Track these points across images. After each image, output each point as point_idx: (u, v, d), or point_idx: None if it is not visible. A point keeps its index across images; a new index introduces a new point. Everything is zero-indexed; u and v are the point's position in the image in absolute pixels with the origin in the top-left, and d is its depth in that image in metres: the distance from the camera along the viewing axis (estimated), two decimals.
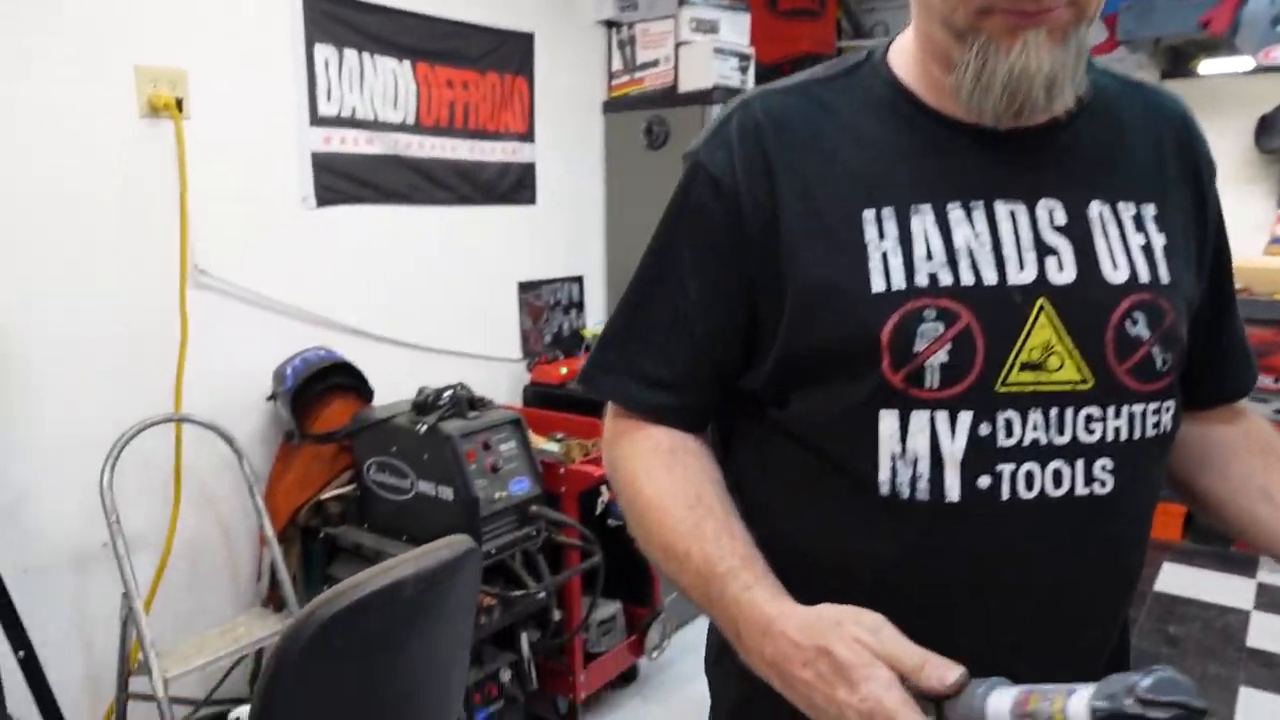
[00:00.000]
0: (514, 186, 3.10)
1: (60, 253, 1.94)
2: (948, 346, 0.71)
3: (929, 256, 0.73)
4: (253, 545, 2.33)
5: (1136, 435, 0.75)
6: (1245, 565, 3.60)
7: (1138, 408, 0.75)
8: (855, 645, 0.61)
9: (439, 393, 2.19)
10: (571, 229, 3.38)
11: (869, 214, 0.75)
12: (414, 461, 2.12)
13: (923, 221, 0.74)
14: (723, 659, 0.90)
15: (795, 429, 0.79)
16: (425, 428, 2.08)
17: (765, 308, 0.78)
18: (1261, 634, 3.11)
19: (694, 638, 3.02)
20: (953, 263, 0.73)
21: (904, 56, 0.81)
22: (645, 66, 3.42)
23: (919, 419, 0.72)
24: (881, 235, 0.74)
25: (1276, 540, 0.84)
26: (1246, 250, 4.01)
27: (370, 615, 1.36)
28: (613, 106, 3.46)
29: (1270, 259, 3.80)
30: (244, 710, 1.55)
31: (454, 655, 1.61)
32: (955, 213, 0.74)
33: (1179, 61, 4.16)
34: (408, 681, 1.48)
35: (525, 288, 3.17)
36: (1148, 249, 0.77)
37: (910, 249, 0.73)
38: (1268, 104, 4.05)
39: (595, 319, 3.49)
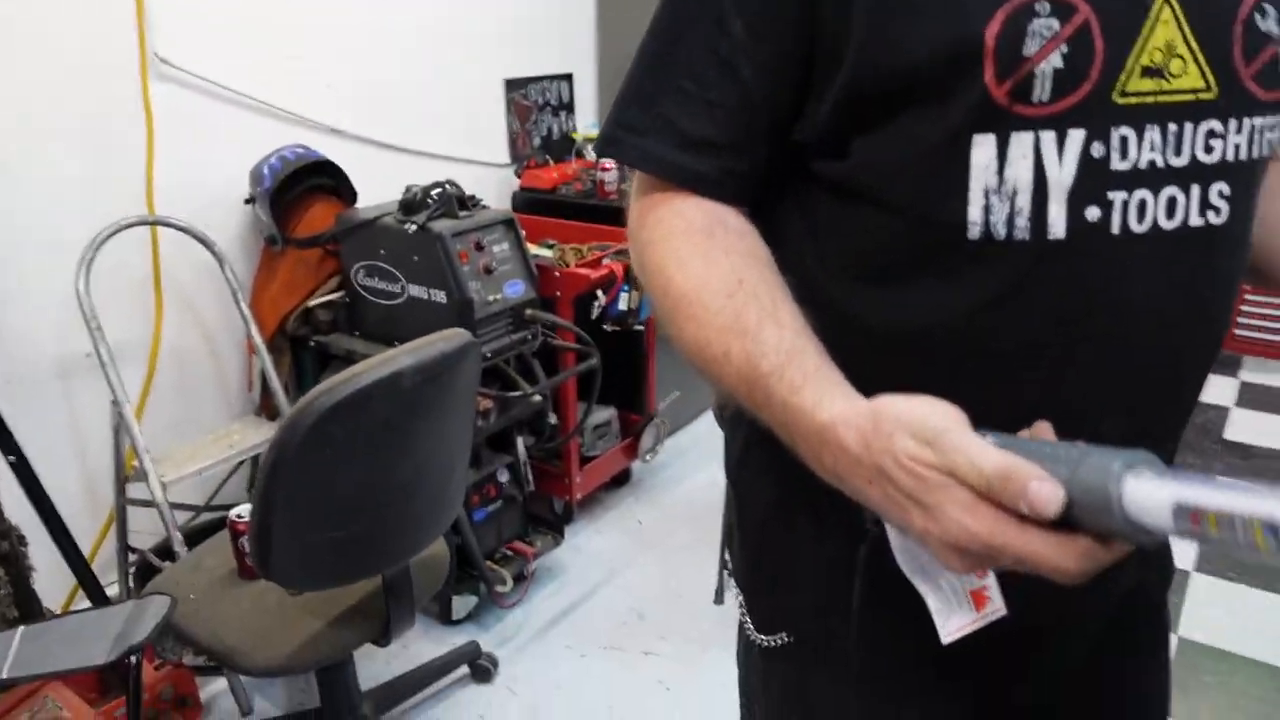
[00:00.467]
0: None
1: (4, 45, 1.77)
2: (1062, 48, 0.59)
3: None
4: (240, 355, 2.29)
5: (1254, 153, 0.65)
6: (1229, 365, 3.67)
7: (1259, 120, 0.65)
8: (911, 467, 0.52)
9: (427, 190, 2.08)
10: (560, 22, 3.15)
11: None
12: (404, 264, 2.05)
13: None
14: (747, 459, 0.82)
15: (859, 182, 0.67)
16: (415, 227, 1.99)
17: (829, 21, 0.63)
18: (1240, 428, 3.22)
19: (687, 442, 3.07)
20: None
21: None
22: None
23: (1021, 143, 0.61)
24: None
25: None
26: None
27: (370, 405, 1.32)
28: None
29: None
30: (245, 507, 1.55)
31: (454, 452, 1.60)
32: None
33: None
34: (409, 474, 1.47)
35: (512, 85, 2.98)
36: None
37: None
38: None
39: (586, 121, 3.32)
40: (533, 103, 3.08)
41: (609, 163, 2.85)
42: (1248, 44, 0.63)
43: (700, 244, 0.68)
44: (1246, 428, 3.19)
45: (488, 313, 2.03)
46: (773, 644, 0.81)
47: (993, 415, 0.54)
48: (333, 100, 2.40)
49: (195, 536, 1.79)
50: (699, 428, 3.13)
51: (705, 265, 0.67)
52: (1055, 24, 0.59)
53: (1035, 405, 0.59)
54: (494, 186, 2.98)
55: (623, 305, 2.37)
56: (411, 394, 1.39)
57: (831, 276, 0.71)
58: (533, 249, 2.46)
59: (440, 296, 2.01)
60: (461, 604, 2.15)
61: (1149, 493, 0.45)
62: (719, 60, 0.67)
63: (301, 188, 2.18)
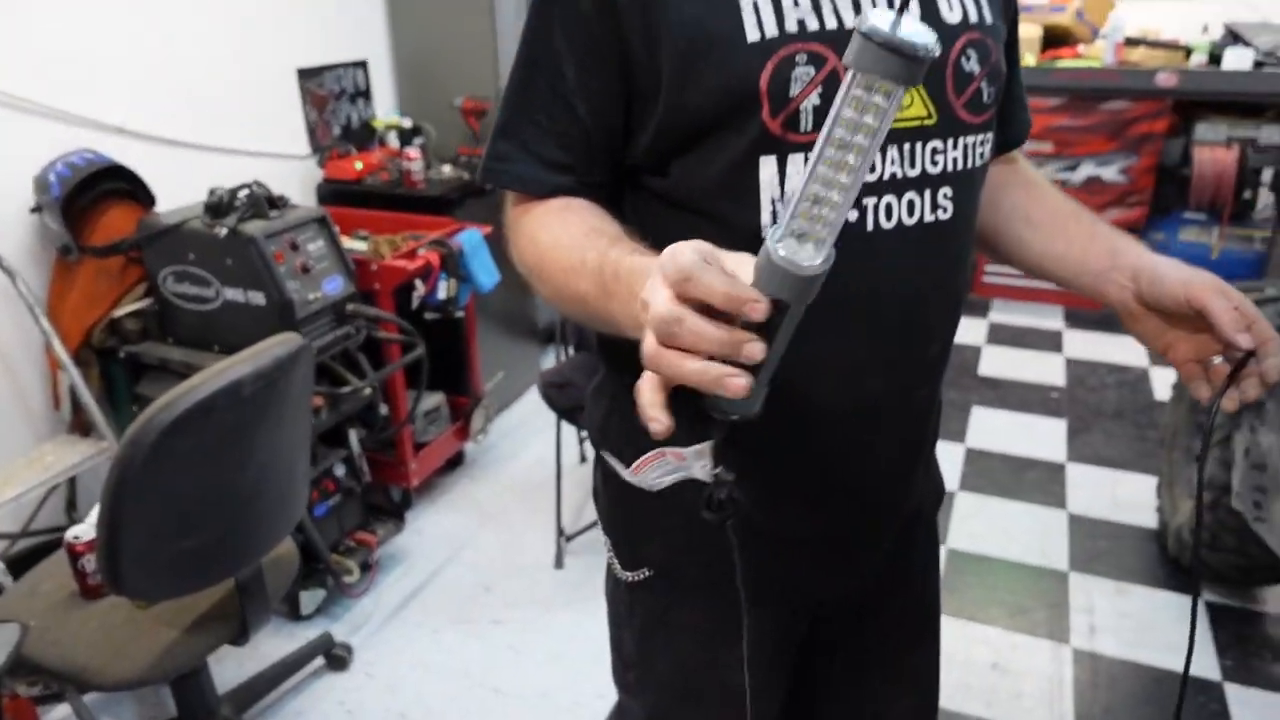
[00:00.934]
0: None
1: None
2: (819, 89, 0.77)
3: (795, 4, 0.77)
4: (39, 372, 2.18)
5: (969, 164, 0.86)
6: (980, 308, 4.22)
7: (970, 139, 0.85)
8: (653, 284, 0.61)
9: (233, 192, 2.06)
10: (351, 7, 3.12)
11: None
12: (217, 268, 2.03)
13: None
14: (608, 426, 0.97)
15: (678, 195, 0.83)
16: (226, 231, 1.97)
17: (642, 76, 0.80)
18: (989, 364, 3.73)
19: (514, 421, 3.19)
20: (817, 9, 0.78)
21: None
22: None
23: (795, 162, 0.78)
24: None
25: (1032, 252, 1.01)
26: None
27: (212, 415, 1.36)
28: None
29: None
30: (83, 527, 1.53)
31: (295, 452, 1.65)
32: None
33: None
34: (253, 478, 1.51)
35: (306, 75, 2.94)
36: None
37: None
38: None
39: (385, 108, 3.31)
40: (329, 91, 3.05)
41: (414, 152, 2.89)
42: (957, 81, 0.83)
43: (559, 213, 0.85)
44: (992, 363, 3.70)
45: (309, 311, 2.05)
46: (636, 579, 0.98)
47: (785, 372, 0.68)
48: (119, 98, 2.29)
49: (18, 564, 1.73)
50: (525, 406, 3.25)
51: (563, 223, 0.83)
52: (811, 70, 0.77)
53: (817, 365, 0.77)
54: (297, 179, 2.94)
55: (442, 294, 2.44)
56: (251, 400, 1.43)
57: None
58: (346, 242, 2.48)
59: (259, 298, 2.01)
60: (310, 599, 2.18)
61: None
62: (560, 99, 0.83)
63: (94, 193, 2.10)
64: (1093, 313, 4.08)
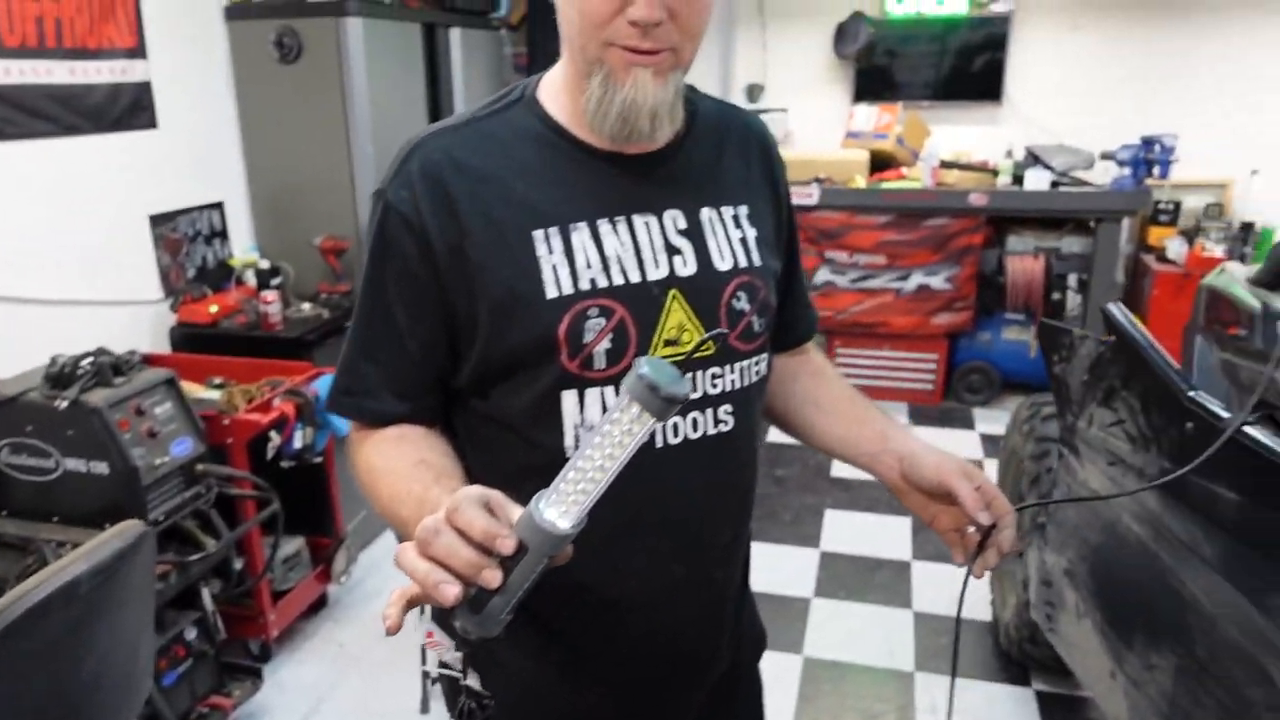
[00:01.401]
0: (130, 110, 2.82)
1: None
2: (610, 336, 0.92)
3: (588, 265, 0.93)
4: None
5: (746, 383, 1.01)
6: None
7: (745, 362, 1.01)
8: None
9: (76, 361, 2.05)
10: (204, 152, 3.16)
11: (539, 233, 0.93)
12: (56, 439, 2.00)
13: (581, 236, 0.94)
14: None
15: (497, 416, 0.97)
16: (66, 403, 1.96)
17: (463, 322, 0.94)
18: (841, 465, 3.93)
19: (378, 555, 3.17)
20: (606, 269, 0.93)
21: (552, 91, 0.99)
22: None
23: (592, 394, 0.93)
24: (550, 251, 0.92)
25: (818, 433, 1.17)
26: (826, 144, 4.74)
27: (47, 618, 1.34)
28: (237, 13, 3.22)
29: (846, 151, 4.51)
30: None
31: (139, 634, 1.63)
32: (604, 227, 0.95)
33: None
34: (93, 670, 1.49)
35: (158, 220, 2.94)
36: (744, 241, 1.02)
37: (573, 260, 0.93)
38: (843, 14, 4.72)
39: (242, 246, 3.33)
40: (182, 235, 3.06)
41: (271, 295, 2.92)
42: (730, 318, 1.00)
43: (393, 441, 0.97)
44: (844, 465, 3.91)
45: (156, 477, 2.04)
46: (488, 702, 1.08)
47: (587, 568, 0.81)
48: None
49: None
50: (389, 539, 3.24)
51: (397, 450, 0.95)
52: (603, 321, 0.93)
53: (617, 561, 0.92)
54: (149, 325, 2.92)
55: (298, 443, 2.45)
56: (88, 597, 1.42)
57: (482, 473, 0.97)
58: (198, 391, 2.48)
59: (101, 468, 1.99)
60: None
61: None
62: (395, 340, 0.97)
63: None
64: (932, 409, 4.40)
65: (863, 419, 1.15)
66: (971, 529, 1.01)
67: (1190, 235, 4.29)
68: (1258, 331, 1.63)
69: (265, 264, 3.21)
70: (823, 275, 4.32)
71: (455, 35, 3.72)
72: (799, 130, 4.91)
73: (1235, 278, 1.85)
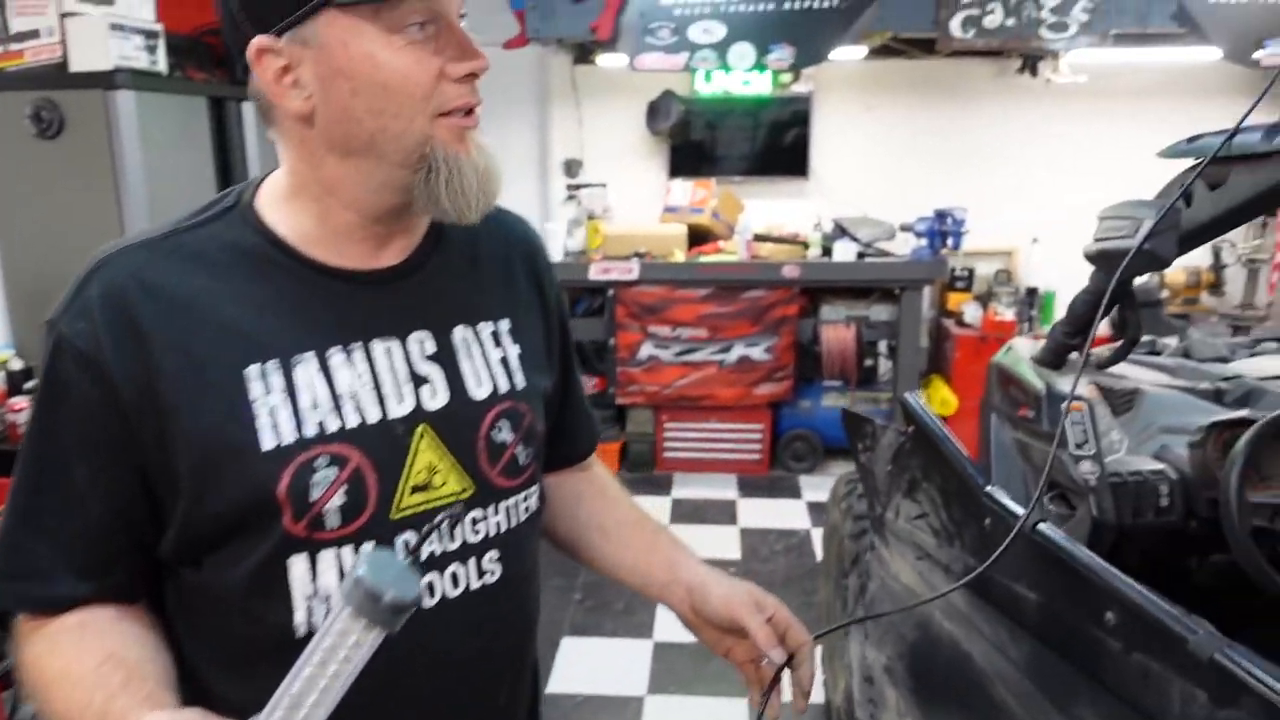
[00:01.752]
0: None
1: None
2: (343, 489, 0.77)
3: (315, 405, 0.78)
4: None
5: (514, 523, 0.88)
6: (663, 485, 4.43)
7: (510, 500, 0.88)
8: None
9: None
10: None
11: (253, 369, 0.77)
12: None
13: (307, 370, 0.78)
14: None
15: (212, 589, 0.80)
16: None
17: (159, 477, 0.77)
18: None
19: None
20: (338, 407, 0.78)
21: (275, 202, 0.83)
22: (24, 37, 2.90)
23: (326, 558, 0.78)
24: (268, 390, 0.77)
25: (606, 561, 1.06)
26: (646, 218, 4.78)
27: None
28: None
29: (664, 226, 4.56)
30: None
31: None
32: (336, 357, 0.80)
33: (585, 53, 4.72)
34: None
35: None
36: (505, 361, 0.90)
37: (297, 400, 0.77)
38: (654, 92, 4.81)
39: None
40: None
41: (21, 402, 2.56)
42: (491, 452, 0.86)
43: (73, 634, 0.77)
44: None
45: None
46: None
47: None
48: None
49: None
50: None
51: (77, 649, 0.76)
52: (334, 472, 0.77)
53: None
54: None
55: None
56: None
57: (199, 658, 0.82)
58: None
59: None
60: None
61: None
62: (72, 502, 0.77)
63: None
64: (761, 479, 4.44)
65: (651, 546, 1.05)
66: (765, 661, 0.93)
67: (984, 300, 4.57)
68: (1044, 413, 1.67)
69: (19, 364, 2.83)
70: (646, 350, 4.30)
71: (248, 108, 3.49)
72: (618, 204, 4.93)
73: (1021, 356, 1.91)
